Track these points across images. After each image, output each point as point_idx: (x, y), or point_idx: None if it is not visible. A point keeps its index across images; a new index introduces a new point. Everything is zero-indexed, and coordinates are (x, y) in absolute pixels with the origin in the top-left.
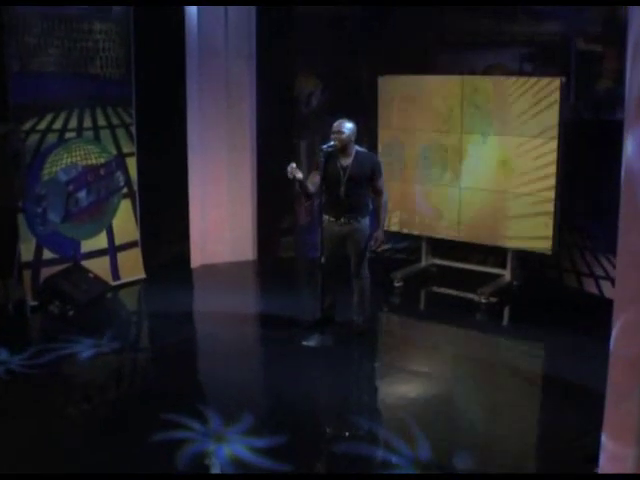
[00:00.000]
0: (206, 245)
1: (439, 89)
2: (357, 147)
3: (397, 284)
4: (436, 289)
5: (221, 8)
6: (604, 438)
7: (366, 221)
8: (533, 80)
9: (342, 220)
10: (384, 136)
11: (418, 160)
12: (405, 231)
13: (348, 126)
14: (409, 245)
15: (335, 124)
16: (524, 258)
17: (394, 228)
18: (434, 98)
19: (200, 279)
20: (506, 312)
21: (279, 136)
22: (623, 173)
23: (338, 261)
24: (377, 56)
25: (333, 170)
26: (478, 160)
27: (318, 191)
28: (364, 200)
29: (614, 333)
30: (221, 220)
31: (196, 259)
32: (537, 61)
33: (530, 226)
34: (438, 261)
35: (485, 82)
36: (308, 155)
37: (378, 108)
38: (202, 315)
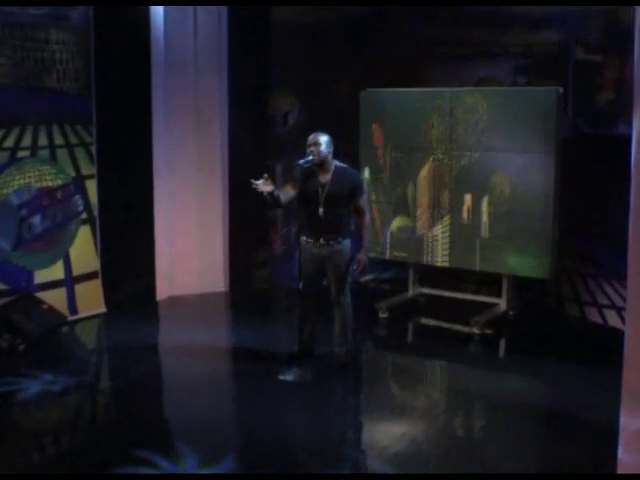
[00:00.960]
0: (173, 276)
1: (427, 103)
2: (336, 162)
3: (382, 315)
4: (425, 320)
5: (190, 16)
6: (620, 450)
7: (347, 242)
8: (528, 91)
9: (321, 241)
10: (366, 156)
11: (404, 180)
12: (390, 257)
13: (324, 139)
14: (395, 275)
15: (310, 137)
16: (521, 286)
17: (378, 255)
18: (421, 113)
19: (167, 312)
20: (502, 344)
21: (253, 158)
22: (633, 157)
23: (317, 287)
24: (359, 71)
25: (311, 187)
26: (469, 178)
27: (297, 209)
28: (345, 220)
29: (627, 340)
30: (190, 248)
31: (162, 291)
32: (533, 73)
33: (527, 250)
34: (427, 290)
35: (476, 94)
36: (285, 178)
37: (360, 126)
38: (168, 349)
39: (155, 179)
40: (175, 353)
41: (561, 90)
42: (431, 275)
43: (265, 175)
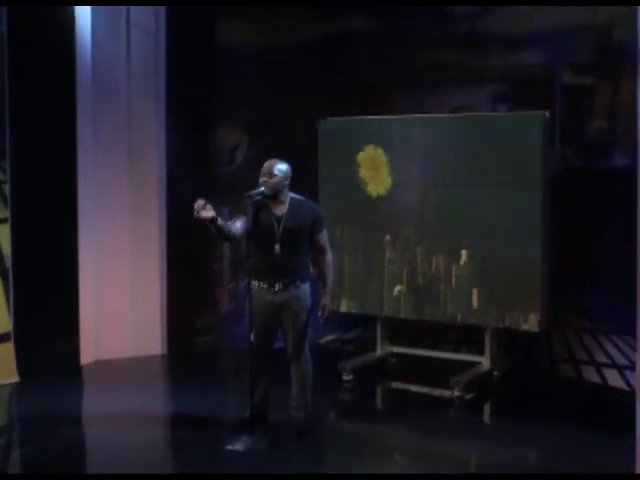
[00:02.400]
0: (101, 336)
1: (394, 133)
2: (292, 194)
3: (346, 377)
4: (396, 384)
5: (122, 35)
6: None
7: (306, 287)
8: (510, 116)
9: (277, 286)
10: (325, 194)
11: (368, 221)
12: (354, 311)
13: (280, 167)
14: (360, 334)
15: (265, 165)
16: (506, 342)
17: (341, 308)
18: (387, 144)
19: (92, 377)
20: (487, 409)
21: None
22: None
23: (271, 340)
24: (317, 100)
25: (265, 222)
26: (444, 218)
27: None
28: (304, 260)
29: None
30: (121, 305)
31: (88, 354)
32: (514, 99)
33: (512, 298)
34: (398, 349)
35: (452, 121)
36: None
37: (318, 159)
38: (93, 418)
39: (80, 224)
40: (101, 422)
41: (548, 114)
42: (402, 331)
43: (201, 201)
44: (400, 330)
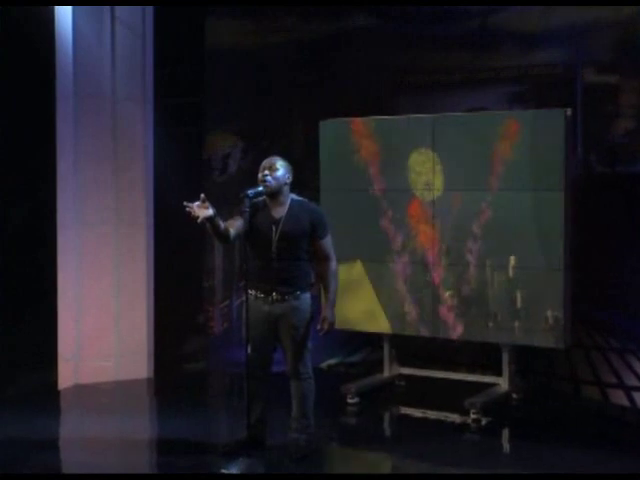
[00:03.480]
0: (81, 359)
1: (402, 134)
2: (293, 195)
3: (351, 400)
4: (405, 410)
5: (107, 34)
6: None
7: (307, 297)
8: (529, 114)
9: (274, 296)
10: (328, 199)
11: (374, 228)
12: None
13: (282, 163)
14: (365, 357)
15: (264, 162)
16: (525, 362)
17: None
18: (396, 145)
19: (71, 403)
20: (505, 435)
21: (185, 213)
22: None
23: (268, 355)
24: (315, 105)
25: (262, 225)
26: (457, 224)
27: (241, 242)
28: (304, 267)
29: None
30: (103, 325)
31: (66, 378)
32: (531, 101)
33: (532, 312)
34: (407, 370)
35: (465, 121)
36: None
37: (320, 163)
38: (70, 444)
39: (60, 238)
40: (79, 449)
41: (569, 112)
42: (412, 351)
43: (202, 196)
44: (409, 350)
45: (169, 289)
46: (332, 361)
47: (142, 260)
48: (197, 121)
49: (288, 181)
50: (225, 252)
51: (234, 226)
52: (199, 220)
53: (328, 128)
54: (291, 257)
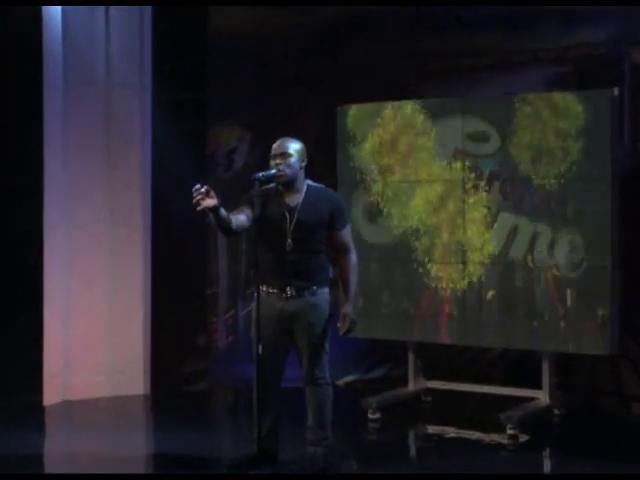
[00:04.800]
0: (70, 372)
1: (429, 120)
2: (309, 181)
3: (372, 415)
4: (432, 428)
5: (99, 17)
6: None
7: (325, 293)
8: (570, 97)
9: (288, 292)
10: (346, 193)
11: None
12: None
13: (295, 147)
14: (387, 373)
15: (275, 145)
16: (568, 374)
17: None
18: (422, 133)
19: (58, 420)
20: (546, 456)
21: (185, 213)
22: None
23: (281, 359)
24: (331, 93)
25: (275, 212)
26: (492, 217)
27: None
28: (321, 260)
29: None
30: (95, 336)
31: (53, 393)
32: (572, 84)
33: (575, 316)
34: (434, 384)
35: (500, 105)
36: (229, 244)
37: (337, 153)
38: (58, 463)
39: (47, 239)
40: (65, 467)
41: (616, 92)
42: (439, 363)
43: (205, 187)
44: (436, 361)
45: (168, 297)
46: (350, 378)
47: (138, 265)
48: (199, 112)
49: (303, 165)
50: (230, 256)
51: (239, 218)
52: (199, 208)
53: (346, 114)
54: (307, 249)
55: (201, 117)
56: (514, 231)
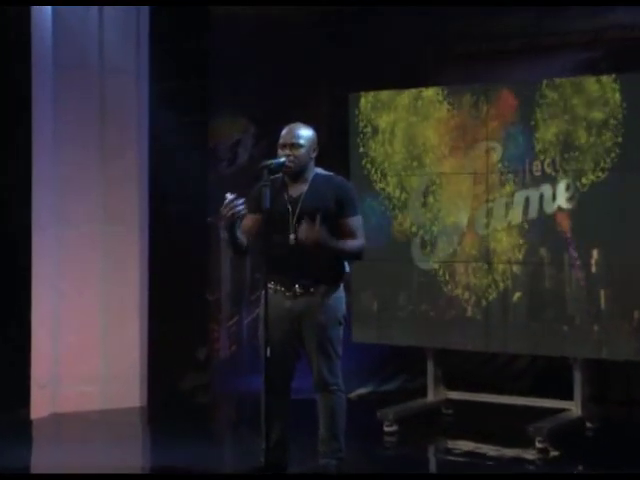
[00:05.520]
0: (60, 383)
1: (451, 108)
2: (319, 169)
3: (388, 428)
4: (452, 442)
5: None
6: None
7: (337, 292)
8: (607, 81)
9: (296, 289)
10: (360, 184)
11: (415, 222)
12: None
13: (307, 135)
14: (403, 385)
15: (284, 133)
16: (602, 385)
17: (366, 339)
18: (444, 121)
19: (46, 434)
20: (577, 473)
21: (185, 211)
22: None
23: (290, 363)
24: (343, 80)
25: (277, 206)
26: (519, 214)
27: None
28: (332, 255)
29: None
30: (88, 344)
31: (41, 406)
32: (607, 69)
33: (609, 318)
34: (455, 395)
35: (528, 92)
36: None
37: (349, 145)
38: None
39: (35, 237)
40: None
41: None
42: (462, 370)
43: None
44: (458, 370)
45: (166, 302)
46: (363, 390)
47: (134, 267)
48: (200, 101)
49: (313, 156)
50: (234, 258)
51: (247, 230)
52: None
53: (359, 101)
54: (314, 243)
55: (202, 107)
56: (542, 228)
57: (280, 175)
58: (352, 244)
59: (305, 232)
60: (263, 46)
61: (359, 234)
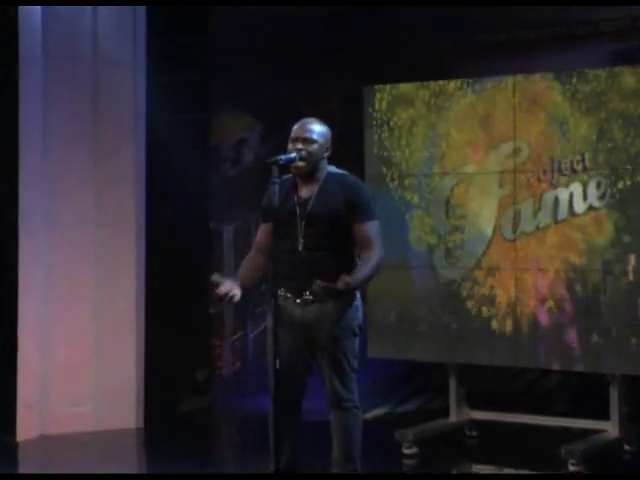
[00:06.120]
0: (49, 403)
1: (475, 101)
2: (332, 167)
3: (408, 450)
4: (477, 466)
5: None
6: None
7: (351, 300)
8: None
9: (306, 297)
10: (375, 186)
11: (436, 226)
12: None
13: (320, 131)
14: (423, 406)
15: (295, 127)
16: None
17: (383, 354)
18: (466, 117)
19: (34, 457)
20: None
21: (185, 215)
22: None
23: (301, 377)
24: (357, 72)
25: (285, 207)
26: (549, 215)
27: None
28: (344, 261)
29: None
30: (79, 360)
31: (28, 427)
32: None
33: None
34: (480, 414)
35: (560, 82)
36: (238, 252)
37: (364, 143)
38: None
39: (22, 242)
40: None
41: None
42: (487, 388)
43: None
44: (483, 387)
45: (164, 315)
46: (379, 411)
47: (129, 276)
48: (201, 96)
49: (326, 155)
50: (238, 268)
51: (255, 266)
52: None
53: (373, 94)
54: (324, 247)
55: (204, 102)
56: (572, 231)
57: (291, 175)
58: (370, 265)
59: (322, 290)
60: (270, 35)
61: (376, 243)
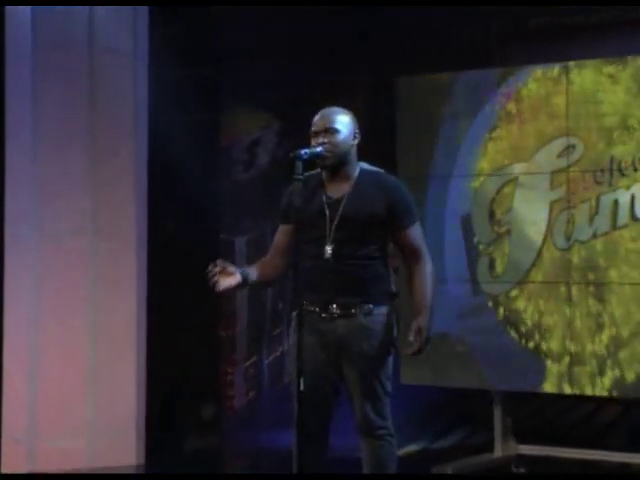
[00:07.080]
0: (38, 437)
1: (522, 91)
2: (363, 164)
3: None
4: None
5: None
6: None
7: (383, 314)
8: None
9: (333, 309)
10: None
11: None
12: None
13: (344, 119)
14: (463, 440)
15: (317, 121)
16: None
17: (419, 380)
18: (515, 108)
19: None
20: None
21: (192, 225)
22: None
23: (328, 401)
24: (387, 60)
25: (312, 209)
26: (609, 221)
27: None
28: (377, 269)
29: None
30: (72, 389)
31: (15, 463)
32: None
33: None
34: (528, 449)
35: (618, 69)
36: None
37: (397, 140)
38: None
39: (8, 253)
40: None
41: None
42: (537, 420)
43: (219, 264)
44: (532, 419)
45: (169, 337)
46: (413, 447)
47: (130, 292)
48: (210, 91)
49: (355, 143)
50: (253, 285)
51: (273, 265)
52: (219, 290)
53: (410, 87)
54: (356, 255)
55: (213, 98)
56: (635, 238)
57: (317, 171)
58: (428, 285)
59: (420, 340)
60: (286, 23)
61: (423, 248)
